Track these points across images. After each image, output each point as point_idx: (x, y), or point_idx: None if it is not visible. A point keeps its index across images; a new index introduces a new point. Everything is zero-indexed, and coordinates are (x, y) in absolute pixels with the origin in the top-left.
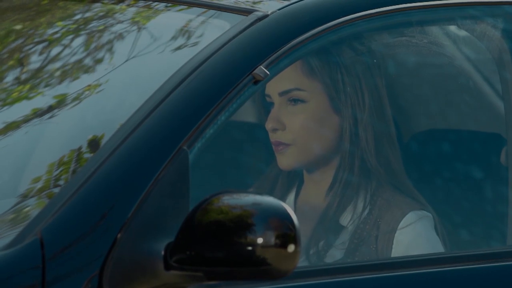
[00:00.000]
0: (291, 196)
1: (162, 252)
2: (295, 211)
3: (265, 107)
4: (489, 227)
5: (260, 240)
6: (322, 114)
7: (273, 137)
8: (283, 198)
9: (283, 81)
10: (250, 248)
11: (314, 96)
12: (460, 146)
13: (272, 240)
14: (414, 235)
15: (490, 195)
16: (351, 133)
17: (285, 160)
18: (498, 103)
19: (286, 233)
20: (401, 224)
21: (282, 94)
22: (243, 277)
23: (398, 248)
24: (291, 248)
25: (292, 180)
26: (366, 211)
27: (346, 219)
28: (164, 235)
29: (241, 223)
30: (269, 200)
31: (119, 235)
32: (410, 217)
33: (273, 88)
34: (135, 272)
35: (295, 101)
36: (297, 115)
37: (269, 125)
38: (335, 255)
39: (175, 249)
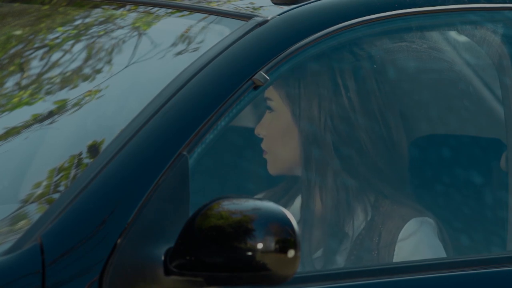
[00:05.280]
0: (297, 203)
1: (162, 258)
2: (300, 218)
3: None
4: (489, 232)
5: (260, 246)
6: (287, 124)
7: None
8: (290, 204)
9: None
10: (250, 253)
11: (280, 107)
12: (460, 152)
13: (272, 245)
14: (416, 242)
15: (490, 200)
16: (334, 142)
17: (268, 166)
18: (498, 108)
19: (286, 238)
20: (402, 231)
21: (264, 100)
22: (243, 282)
23: (400, 255)
24: (291, 253)
25: (300, 187)
26: (368, 218)
27: (348, 226)
28: (164, 240)
29: (241, 229)
30: (269, 205)
31: (119, 241)
32: (412, 224)
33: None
34: (135, 277)
35: (269, 109)
36: (268, 123)
37: (256, 131)
38: (337, 261)
39: (175, 254)
